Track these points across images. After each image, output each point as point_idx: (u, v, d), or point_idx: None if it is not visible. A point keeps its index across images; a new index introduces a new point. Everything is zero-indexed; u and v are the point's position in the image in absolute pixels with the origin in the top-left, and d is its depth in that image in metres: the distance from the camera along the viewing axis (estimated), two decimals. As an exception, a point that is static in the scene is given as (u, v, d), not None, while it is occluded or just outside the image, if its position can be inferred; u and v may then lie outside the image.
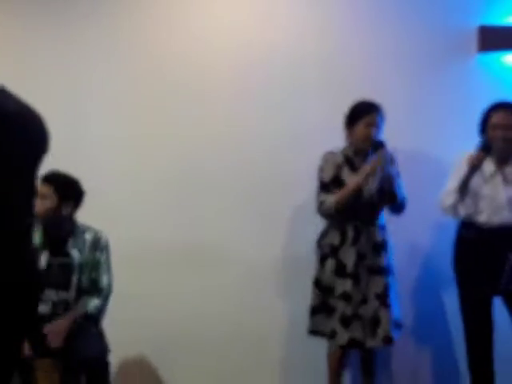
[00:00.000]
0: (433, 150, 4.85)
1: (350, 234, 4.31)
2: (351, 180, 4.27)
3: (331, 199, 4.28)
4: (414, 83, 4.88)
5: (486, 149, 4.17)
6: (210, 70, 4.87)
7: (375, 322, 4.27)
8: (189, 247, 4.91)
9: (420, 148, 4.86)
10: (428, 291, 4.90)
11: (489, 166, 4.24)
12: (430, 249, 4.88)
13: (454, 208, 4.24)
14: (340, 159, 4.36)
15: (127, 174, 4.91)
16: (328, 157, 4.38)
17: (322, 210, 4.33)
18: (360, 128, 4.32)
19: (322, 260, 4.39)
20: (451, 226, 4.45)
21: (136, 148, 4.92)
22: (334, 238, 4.35)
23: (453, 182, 4.25)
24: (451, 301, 4.59)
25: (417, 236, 4.86)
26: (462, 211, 4.24)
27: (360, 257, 4.30)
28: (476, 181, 4.22)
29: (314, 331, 4.41)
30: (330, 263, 4.34)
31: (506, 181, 4.24)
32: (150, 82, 4.90)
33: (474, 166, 4.15)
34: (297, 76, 4.87)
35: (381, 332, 4.26)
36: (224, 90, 4.87)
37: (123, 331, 4.63)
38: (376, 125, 4.31)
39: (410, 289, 4.85)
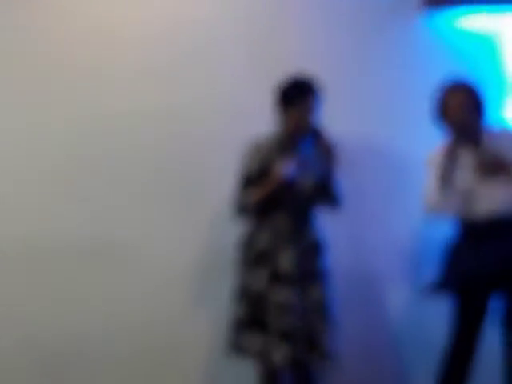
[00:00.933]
0: (378, 133, 4.38)
1: (284, 234, 3.81)
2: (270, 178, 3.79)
3: (249, 198, 3.83)
4: (351, 52, 4.40)
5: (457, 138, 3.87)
6: (107, 47, 4.28)
7: (314, 337, 3.76)
8: (86, 247, 4.25)
9: (362, 132, 4.37)
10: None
11: (465, 154, 3.89)
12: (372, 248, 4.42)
13: (439, 205, 3.89)
14: (268, 148, 3.86)
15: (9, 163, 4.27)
16: (253, 147, 3.88)
17: (240, 210, 3.86)
18: (293, 115, 3.83)
19: (251, 265, 3.83)
20: (393, 224, 4.24)
21: (21, 134, 4.30)
22: (264, 240, 3.82)
23: (431, 178, 3.93)
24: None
25: (364, 235, 4.39)
26: (452, 208, 3.89)
27: (296, 260, 3.78)
28: (459, 175, 3.88)
29: (238, 349, 3.80)
30: (261, 268, 3.79)
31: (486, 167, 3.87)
32: (32, 62, 4.29)
33: (451, 158, 3.86)
34: (216, 51, 4.33)
35: (321, 349, 3.75)
36: (124, 67, 4.28)
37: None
38: (311, 110, 3.81)
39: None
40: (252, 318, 3.77)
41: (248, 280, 3.82)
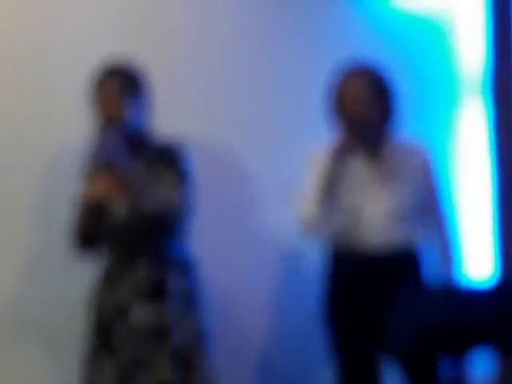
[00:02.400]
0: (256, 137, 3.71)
1: (110, 273, 3.13)
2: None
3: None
4: (255, 35, 3.73)
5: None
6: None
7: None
8: None
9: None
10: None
11: (355, 162, 3.17)
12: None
13: (319, 222, 3.13)
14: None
15: None
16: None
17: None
18: (98, 108, 3.10)
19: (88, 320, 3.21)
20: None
21: None
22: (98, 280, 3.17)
23: (310, 187, 3.18)
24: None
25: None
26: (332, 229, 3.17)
27: (119, 311, 3.07)
28: (346, 186, 3.15)
29: None
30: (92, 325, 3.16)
31: (380, 183, 3.15)
32: None
33: (339, 159, 3.08)
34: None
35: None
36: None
37: None
38: (112, 96, 3.06)
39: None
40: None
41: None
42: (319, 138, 3.22)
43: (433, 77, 3.74)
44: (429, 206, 3.16)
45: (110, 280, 3.08)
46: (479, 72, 3.87)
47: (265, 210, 3.66)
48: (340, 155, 3.06)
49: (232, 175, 3.73)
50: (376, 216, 3.09)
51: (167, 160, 3.08)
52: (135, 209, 3.01)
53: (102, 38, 3.52)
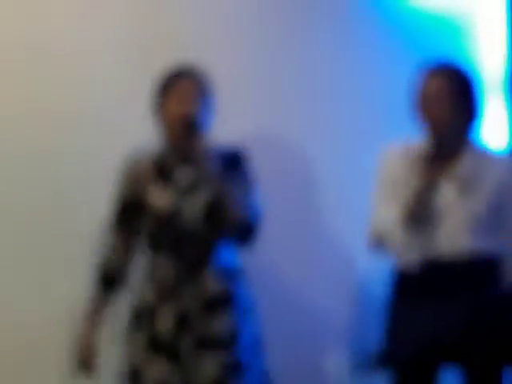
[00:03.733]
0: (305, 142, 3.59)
1: (168, 283, 2.93)
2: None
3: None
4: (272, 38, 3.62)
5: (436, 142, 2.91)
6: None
7: None
8: None
9: (284, 141, 3.62)
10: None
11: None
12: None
13: (399, 250, 2.93)
14: (147, 167, 3.00)
15: None
16: (128, 166, 3.03)
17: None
18: (167, 107, 2.95)
19: (132, 328, 2.98)
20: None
21: None
22: (148, 293, 2.96)
23: (387, 204, 2.95)
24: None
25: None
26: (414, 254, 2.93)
27: (182, 320, 2.91)
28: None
29: None
30: (142, 332, 2.94)
31: (460, 189, 2.94)
32: None
33: (431, 180, 2.85)
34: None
35: None
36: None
37: None
38: (192, 98, 2.93)
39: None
40: None
41: (128, 349, 2.96)
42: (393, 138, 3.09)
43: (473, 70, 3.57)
44: (505, 219, 2.96)
45: (173, 289, 2.91)
46: (500, 71, 3.79)
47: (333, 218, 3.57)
48: (428, 167, 2.87)
49: (301, 179, 3.64)
50: (453, 224, 2.90)
51: (234, 166, 2.96)
52: (232, 219, 2.88)
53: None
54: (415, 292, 2.91)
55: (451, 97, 2.90)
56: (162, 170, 2.97)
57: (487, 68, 3.79)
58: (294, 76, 3.63)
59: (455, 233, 2.89)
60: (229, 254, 2.97)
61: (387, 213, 2.91)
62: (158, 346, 2.88)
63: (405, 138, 3.00)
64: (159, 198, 2.92)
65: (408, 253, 2.89)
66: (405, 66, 3.32)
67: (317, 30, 3.66)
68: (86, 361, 2.96)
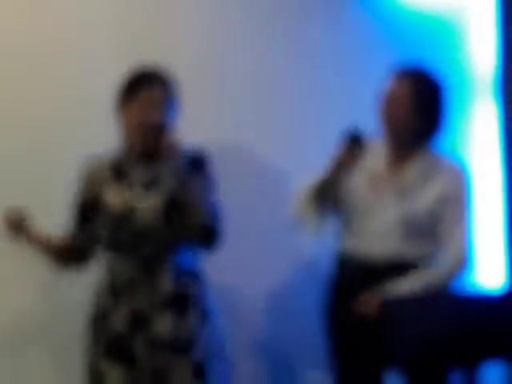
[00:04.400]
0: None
1: (123, 284, 2.91)
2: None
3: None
4: (262, 40, 3.61)
5: (355, 140, 2.92)
6: None
7: None
8: None
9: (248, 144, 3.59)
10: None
11: (375, 163, 3.01)
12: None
13: (303, 212, 2.99)
14: (104, 168, 2.99)
15: None
16: (87, 167, 3.02)
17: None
18: (133, 111, 2.91)
19: (90, 330, 2.97)
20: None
21: None
22: (104, 293, 2.95)
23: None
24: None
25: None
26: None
27: (135, 320, 2.89)
28: (355, 187, 2.99)
29: None
30: (100, 334, 2.94)
31: (399, 192, 2.96)
32: None
33: (342, 165, 2.91)
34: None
35: None
36: None
37: None
38: (158, 105, 2.91)
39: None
40: None
41: (90, 352, 2.96)
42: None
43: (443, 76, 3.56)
44: (444, 228, 2.93)
45: (128, 288, 2.89)
46: (490, 71, 3.78)
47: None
48: (347, 158, 2.89)
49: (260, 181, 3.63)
50: (385, 224, 2.93)
51: (197, 168, 2.92)
52: (192, 219, 2.85)
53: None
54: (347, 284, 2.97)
55: (412, 102, 2.91)
56: (119, 170, 2.95)
57: (478, 66, 3.81)
58: (278, 77, 3.63)
59: (385, 233, 2.92)
60: (188, 256, 2.94)
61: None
62: (114, 348, 2.86)
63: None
64: (114, 197, 2.90)
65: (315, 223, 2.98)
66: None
67: (305, 29, 3.65)
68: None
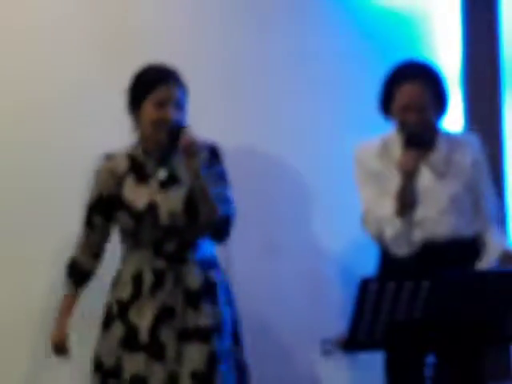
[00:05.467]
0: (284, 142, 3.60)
1: (148, 279, 2.88)
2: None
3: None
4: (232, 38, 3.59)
5: (413, 142, 2.93)
6: None
7: None
8: None
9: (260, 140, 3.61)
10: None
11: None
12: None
13: (398, 240, 2.97)
14: (123, 166, 2.95)
15: None
16: (104, 162, 2.98)
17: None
18: (148, 110, 2.90)
19: (106, 325, 2.93)
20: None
21: None
22: (124, 289, 2.92)
23: (377, 201, 3.00)
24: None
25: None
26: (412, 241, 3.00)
27: (162, 315, 2.86)
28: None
29: None
30: (117, 329, 2.89)
31: (437, 174, 3.04)
32: None
33: (410, 174, 2.89)
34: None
35: None
36: None
37: None
38: (174, 102, 2.90)
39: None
40: None
41: (99, 346, 2.93)
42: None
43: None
44: (477, 199, 3.07)
45: (153, 283, 2.88)
46: (456, 66, 3.85)
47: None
48: (412, 163, 2.90)
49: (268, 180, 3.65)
50: (436, 205, 2.99)
51: (212, 160, 2.94)
52: (210, 215, 2.86)
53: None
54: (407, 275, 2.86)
55: (429, 101, 2.99)
56: (137, 167, 2.94)
57: (444, 63, 3.80)
58: (257, 77, 3.65)
59: (437, 215, 2.98)
60: (206, 245, 2.95)
61: (381, 209, 2.97)
62: (135, 342, 2.84)
63: (375, 135, 3.09)
64: (135, 193, 2.90)
65: (401, 240, 2.97)
66: (365, 64, 3.43)
67: (278, 30, 3.67)
68: (59, 344, 2.96)
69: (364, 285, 2.60)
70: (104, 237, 2.99)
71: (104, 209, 2.95)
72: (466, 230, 3.04)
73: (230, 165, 3.00)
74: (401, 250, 3.00)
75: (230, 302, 2.97)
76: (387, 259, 3.06)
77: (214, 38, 3.59)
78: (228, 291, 2.98)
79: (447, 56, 3.86)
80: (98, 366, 2.90)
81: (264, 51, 3.65)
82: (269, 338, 3.59)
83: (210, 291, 2.91)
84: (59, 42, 3.41)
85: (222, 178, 2.94)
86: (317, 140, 3.63)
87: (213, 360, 2.84)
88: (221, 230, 2.92)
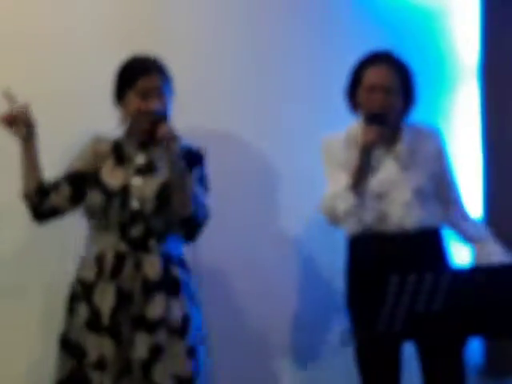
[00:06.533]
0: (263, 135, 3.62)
1: (109, 261, 2.91)
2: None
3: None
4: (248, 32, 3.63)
5: (375, 119, 2.95)
6: None
7: None
8: None
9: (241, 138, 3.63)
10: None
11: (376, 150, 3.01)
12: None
13: (350, 215, 3.00)
14: (107, 148, 3.01)
15: None
16: (92, 142, 3.04)
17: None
18: (131, 100, 2.95)
19: (71, 305, 2.96)
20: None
21: None
22: (89, 270, 2.94)
23: (337, 178, 3.02)
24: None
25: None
26: (364, 219, 3.03)
27: (121, 300, 2.89)
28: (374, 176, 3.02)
29: None
30: (82, 310, 2.92)
31: (401, 165, 3.06)
32: None
33: (369, 145, 2.91)
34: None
35: None
36: None
37: None
38: (157, 92, 2.94)
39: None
40: (74, 377, 2.90)
41: (67, 325, 2.96)
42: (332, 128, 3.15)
43: (427, 64, 3.68)
44: (443, 189, 3.11)
45: (114, 265, 2.90)
46: (474, 59, 3.87)
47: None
48: (368, 147, 2.91)
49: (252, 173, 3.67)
50: (400, 198, 3.01)
51: (194, 163, 2.98)
52: (182, 209, 2.87)
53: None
54: (370, 272, 2.98)
55: (396, 86, 3.01)
56: (119, 153, 2.99)
57: (463, 57, 3.89)
58: (261, 73, 3.67)
59: (402, 206, 3.01)
60: (174, 242, 2.97)
61: (336, 185, 3.01)
62: (98, 323, 2.87)
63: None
64: (112, 176, 2.94)
65: (353, 216, 3.01)
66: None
67: (288, 24, 3.69)
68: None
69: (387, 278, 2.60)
70: (59, 203, 2.96)
71: (76, 185, 2.97)
72: (432, 221, 3.05)
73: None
74: (352, 228, 3.05)
75: (195, 302, 2.97)
76: (355, 253, 3.09)
77: (237, 35, 3.62)
78: (192, 291, 2.98)
79: (466, 50, 3.89)
80: (65, 343, 2.92)
81: (270, 47, 3.68)
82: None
83: (170, 286, 2.91)
84: (91, 41, 3.44)
85: (200, 182, 2.98)
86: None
87: (157, 351, 2.84)
88: (190, 229, 2.92)
